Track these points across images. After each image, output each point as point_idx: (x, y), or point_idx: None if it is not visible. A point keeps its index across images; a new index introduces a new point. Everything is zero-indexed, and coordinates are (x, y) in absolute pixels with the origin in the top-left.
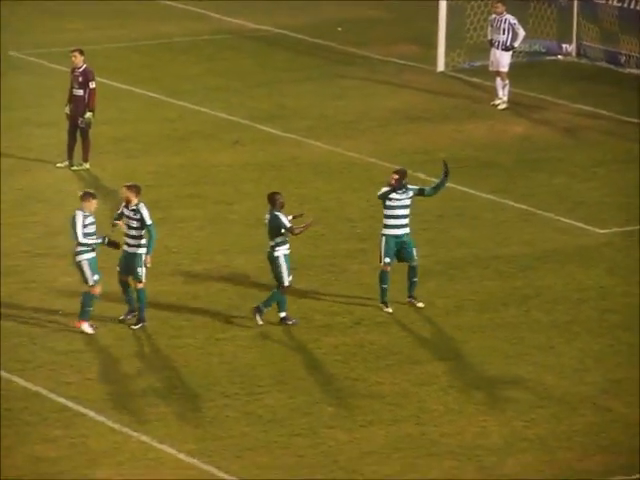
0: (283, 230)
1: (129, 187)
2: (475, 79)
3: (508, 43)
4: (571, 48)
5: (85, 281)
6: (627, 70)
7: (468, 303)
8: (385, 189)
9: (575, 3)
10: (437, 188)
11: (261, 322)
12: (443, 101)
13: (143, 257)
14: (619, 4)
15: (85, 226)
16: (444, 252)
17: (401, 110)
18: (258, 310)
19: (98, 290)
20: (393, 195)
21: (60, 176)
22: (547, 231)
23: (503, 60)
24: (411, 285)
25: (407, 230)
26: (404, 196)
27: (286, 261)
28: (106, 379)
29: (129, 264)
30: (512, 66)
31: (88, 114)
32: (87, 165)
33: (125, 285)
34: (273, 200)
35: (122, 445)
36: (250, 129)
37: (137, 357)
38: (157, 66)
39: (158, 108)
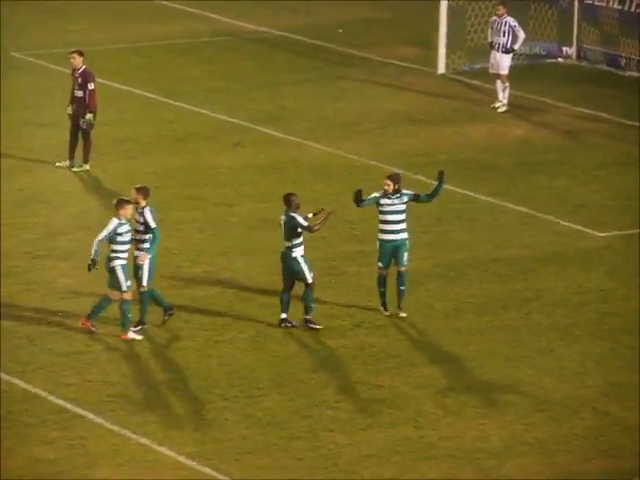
0: (300, 230)
1: (138, 189)
2: (475, 81)
3: (508, 45)
4: (571, 51)
5: (118, 287)
6: (627, 73)
7: (467, 306)
8: (373, 195)
9: (576, 6)
10: (432, 196)
11: (320, 326)
12: (443, 103)
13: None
14: (619, 7)
15: (120, 234)
16: (443, 255)
17: (401, 112)
18: (307, 321)
19: (130, 296)
20: (386, 200)
21: (61, 177)
22: (547, 234)
23: (503, 63)
24: (398, 293)
25: (402, 235)
26: (397, 201)
27: (305, 260)
28: (105, 381)
29: (135, 267)
30: (512, 69)
31: (88, 115)
32: (87, 166)
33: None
34: (289, 201)
35: (121, 447)
36: (250, 131)
37: (136, 359)
38: (157, 67)
39: (157, 109)
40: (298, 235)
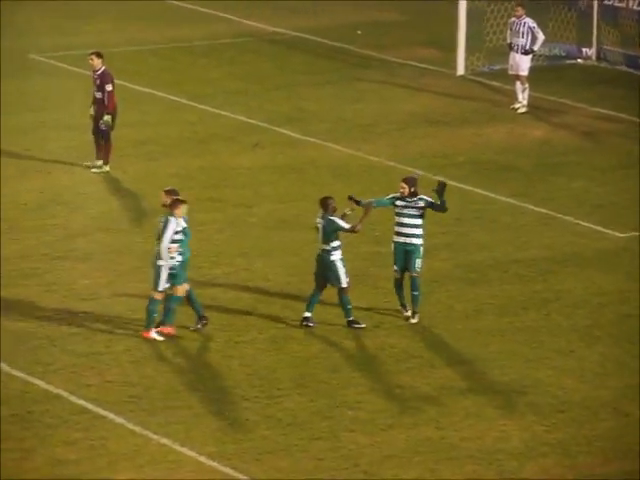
0: (341, 232)
1: (168, 191)
2: (495, 83)
3: (527, 47)
4: (591, 52)
5: (154, 286)
6: None
7: (488, 307)
8: (391, 196)
9: (595, 7)
10: (441, 208)
11: (364, 325)
12: (462, 105)
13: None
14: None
15: (176, 232)
16: (463, 256)
17: (420, 114)
18: (351, 323)
19: (161, 296)
20: (400, 203)
21: (80, 179)
22: (567, 235)
23: (522, 64)
24: (412, 298)
25: (414, 240)
26: (412, 204)
27: (343, 264)
28: (126, 382)
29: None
30: (532, 70)
31: (106, 117)
32: (107, 168)
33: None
34: (325, 205)
35: (142, 448)
36: (269, 132)
37: (157, 360)
38: (177, 69)
39: (179, 111)
40: (336, 238)
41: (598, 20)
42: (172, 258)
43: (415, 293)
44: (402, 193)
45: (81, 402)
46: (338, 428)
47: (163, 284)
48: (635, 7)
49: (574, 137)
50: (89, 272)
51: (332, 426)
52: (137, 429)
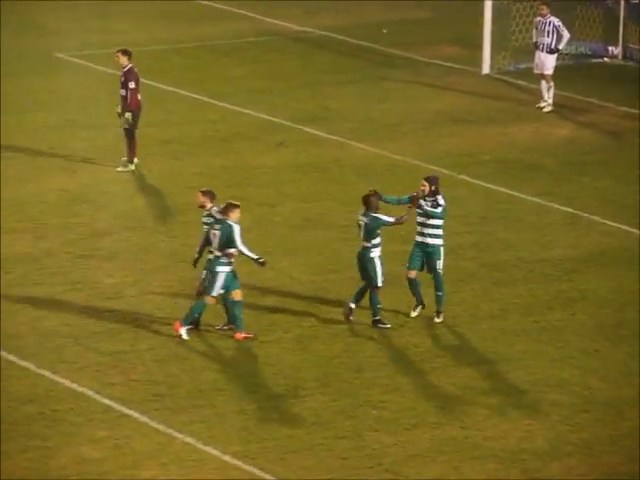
0: (388, 225)
1: (204, 192)
2: (521, 81)
3: (553, 45)
4: (617, 50)
5: (208, 291)
6: None
7: (513, 306)
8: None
9: (622, 5)
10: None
11: (389, 325)
12: (488, 103)
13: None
14: None
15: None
16: (489, 255)
17: (445, 112)
18: (377, 322)
19: (213, 301)
20: (421, 202)
21: (105, 177)
22: (592, 234)
23: (548, 63)
24: (436, 298)
25: (433, 241)
26: (431, 205)
27: (381, 262)
28: (150, 380)
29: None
30: (558, 68)
31: (127, 114)
32: (132, 166)
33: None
34: (368, 202)
35: (166, 446)
36: (293, 131)
37: (181, 358)
38: (201, 68)
39: (202, 110)
40: (377, 235)
41: (624, 18)
42: (226, 264)
43: (439, 293)
44: (423, 191)
45: (106, 400)
46: (362, 427)
47: (218, 290)
48: None
49: (600, 136)
50: (114, 271)
51: (356, 425)
52: (161, 428)
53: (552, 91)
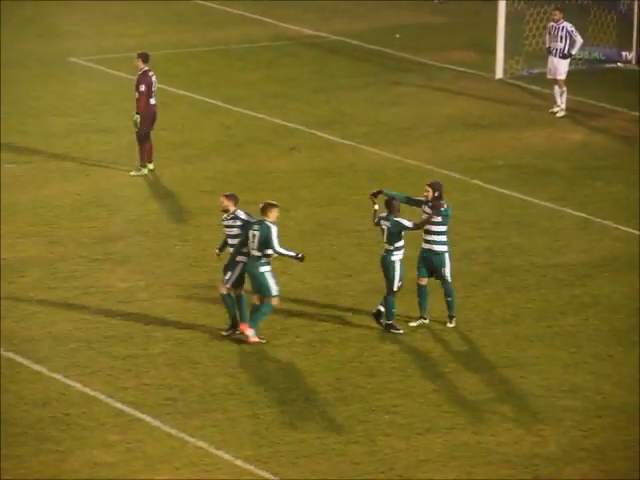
0: (408, 230)
1: (228, 196)
2: (534, 86)
3: (565, 51)
4: (631, 56)
5: (269, 292)
6: None
7: (526, 311)
8: (418, 198)
9: (635, 10)
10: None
11: (402, 330)
12: (501, 108)
13: (240, 265)
14: None
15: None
16: (501, 260)
17: (458, 117)
18: (389, 326)
19: (277, 301)
20: (424, 207)
21: (118, 182)
22: (605, 239)
23: (561, 68)
24: (447, 304)
25: (437, 247)
26: (430, 211)
27: (401, 266)
28: (163, 384)
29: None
30: (571, 73)
31: (135, 116)
32: (145, 170)
33: (229, 298)
34: (391, 206)
35: (179, 450)
36: (307, 135)
37: (194, 363)
38: (216, 72)
39: (215, 114)
40: (400, 239)
41: (638, 23)
42: (269, 264)
43: (449, 299)
44: (426, 197)
45: (118, 405)
46: (374, 432)
47: (275, 288)
48: None
49: (613, 141)
50: (127, 275)
51: (368, 430)
52: (173, 432)
53: (565, 96)
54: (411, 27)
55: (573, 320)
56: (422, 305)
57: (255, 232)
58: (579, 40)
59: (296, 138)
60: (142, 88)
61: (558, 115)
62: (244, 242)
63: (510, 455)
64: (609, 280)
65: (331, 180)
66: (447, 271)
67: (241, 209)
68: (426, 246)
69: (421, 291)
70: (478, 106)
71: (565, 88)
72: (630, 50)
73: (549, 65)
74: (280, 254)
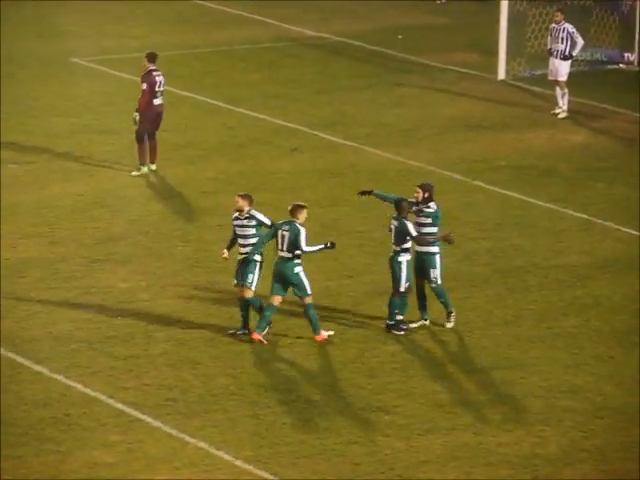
0: (408, 237)
1: (243, 196)
2: (536, 88)
3: (567, 52)
4: (633, 57)
5: (305, 292)
6: None
7: (527, 312)
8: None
9: (637, 11)
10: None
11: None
12: (503, 109)
13: (258, 265)
14: None
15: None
16: (503, 261)
17: (460, 118)
18: (391, 327)
19: (310, 299)
20: (414, 208)
21: (121, 182)
22: (606, 240)
23: (562, 69)
24: (442, 305)
25: (426, 248)
26: (424, 211)
27: (407, 267)
28: (163, 385)
29: (246, 272)
30: (573, 75)
31: (135, 114)
32: (145, 169)
33: (242, 299)
34: (400, 207)
35: (179, 451)
36: (309, 136)
37: (195, 363)
38: (218, 73)
39: (218, 115)
40: (407, 240)
41: None
42: (300, 264)
43: (442, 300)
44: (416, 198)
45: (118, 405)
46: (374, 433)
47: (309, 287)
48: None
49: (615, 142)
50: (128, 275)
51: (368, 431)
52: (174, 432)
53: (566, 97)
54: (413, 28)
55: (574, 321)
56: (421, 306)
57: (285, 233)
58: (580, 41)
59: (298, 139)
60: (143, 87)
61: (560, 116)
62: (263, 242)
63: (510, 456)
64: (610, 281)
65: (333, 181)
66: (437, 273)
67: (256, 209)
68: (417, 247)
69: (419, 293)
70: (480, 107)
71: (566, 89)
72: (632, 51)
73: (550, 66)
74: (310, 252)
